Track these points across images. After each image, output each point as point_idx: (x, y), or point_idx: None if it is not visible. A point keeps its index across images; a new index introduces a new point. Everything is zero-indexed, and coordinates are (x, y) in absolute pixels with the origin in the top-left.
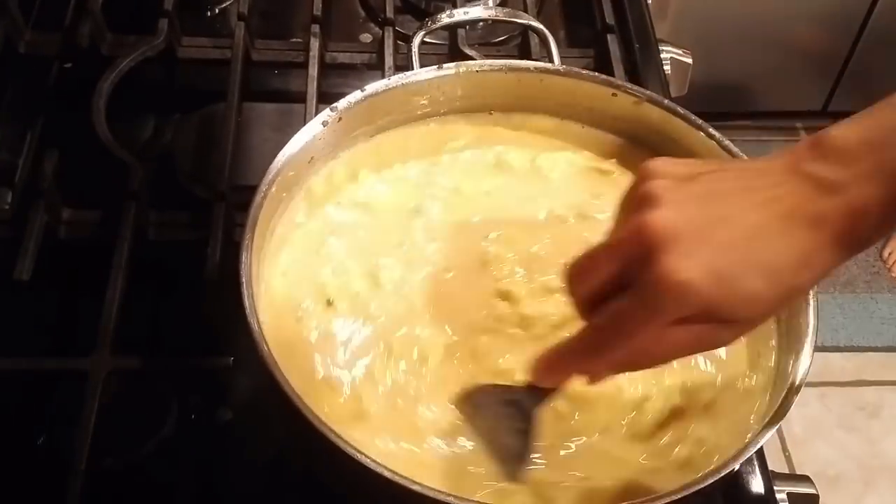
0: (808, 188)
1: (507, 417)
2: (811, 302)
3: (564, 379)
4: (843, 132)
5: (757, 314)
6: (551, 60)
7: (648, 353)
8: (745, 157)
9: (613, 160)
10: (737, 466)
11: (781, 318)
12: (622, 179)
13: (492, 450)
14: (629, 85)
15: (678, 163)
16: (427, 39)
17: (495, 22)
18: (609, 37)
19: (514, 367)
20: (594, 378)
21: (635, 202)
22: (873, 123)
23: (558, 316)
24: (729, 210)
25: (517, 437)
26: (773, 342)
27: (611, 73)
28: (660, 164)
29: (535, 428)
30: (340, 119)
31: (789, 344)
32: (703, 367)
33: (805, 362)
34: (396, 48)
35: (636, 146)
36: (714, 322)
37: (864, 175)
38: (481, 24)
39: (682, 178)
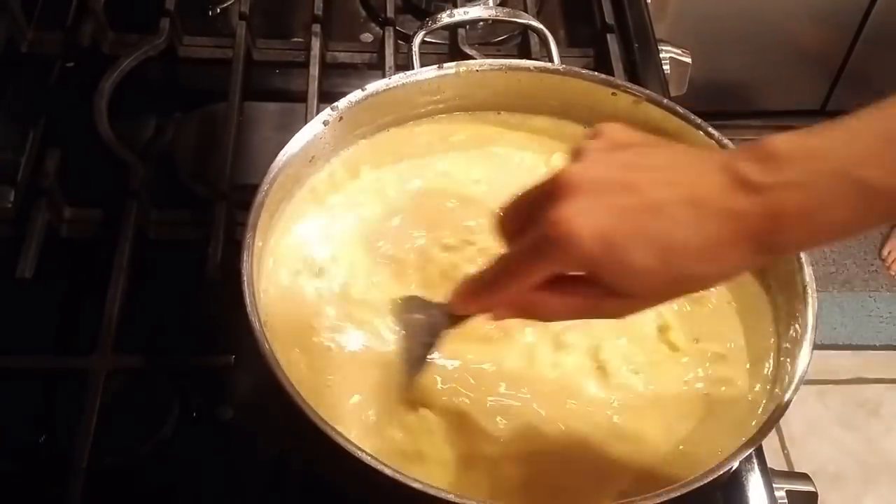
0: (728, 183)
1: (420, 328)
2: (809, 300)
3: (472, 310)
4: (785, 140)
5: (644, 290)
6: (551, 60)
7: (537, 305)
8: None
9: None
10: (736, 464)
11: (781, 316)
12: None
13: (401, 350)
14: (629, 84)
15: (626, 131)
16: (427, 39)
17: (495, 22)
18: (609, 36)
19: None
20: (495, 316)
21: (557, 180)
22: (818, 137)
23: None
24: (640, 182)
25: (421, 348)
26: (772, 340)
27: (610, 73)
28: (607, 127)
29: (436, 344)
30: (341, 118)
31: (788, 342)
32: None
33: (804, 360)
34: (397, 48)
35: None
36: (602, 289)
37: (789, 182)
38: (481, 23)
39: (618, 144)
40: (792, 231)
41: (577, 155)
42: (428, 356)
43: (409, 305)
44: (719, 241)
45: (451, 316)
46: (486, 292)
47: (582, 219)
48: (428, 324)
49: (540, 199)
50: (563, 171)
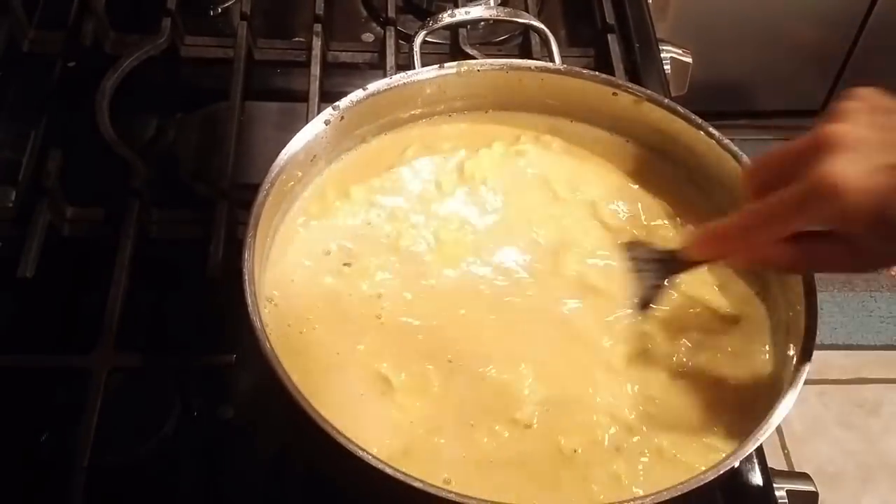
0: None
1: (649, 271)
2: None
3: (712, 255)
4: None
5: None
6: (552, 60)
7: (782, 255)
8: (745, 157)
9: None
10: (736, 464)
11: (781, 316)
12: None
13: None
14: (630, 84)
15: (884, 96)
16: (428, 39)
17: (496, 22)
18: (609, 36)
19: None
20: (735, 262)
21: (818, 139)
22: None
23: None
24: None
25: (650, 291)
26: (772, 341)
27: (611, 73)
28: (865, 91)
29: (668, 287)
30: (342, 118)
31: (788, 342)
32: None
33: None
34: (398, 48)
35: (637, 146)
36: (848, 245)
37: None
38: (482, 23)
39: (878, 107)
40: None
41: (837, 115)
42: (656, 301)
43: (635, 249)
44: None
45: (681, 261)
46: (734, 239)
47: (853, 174)
48: (658, 267)
49: (804, 153)
50: (829, 127)
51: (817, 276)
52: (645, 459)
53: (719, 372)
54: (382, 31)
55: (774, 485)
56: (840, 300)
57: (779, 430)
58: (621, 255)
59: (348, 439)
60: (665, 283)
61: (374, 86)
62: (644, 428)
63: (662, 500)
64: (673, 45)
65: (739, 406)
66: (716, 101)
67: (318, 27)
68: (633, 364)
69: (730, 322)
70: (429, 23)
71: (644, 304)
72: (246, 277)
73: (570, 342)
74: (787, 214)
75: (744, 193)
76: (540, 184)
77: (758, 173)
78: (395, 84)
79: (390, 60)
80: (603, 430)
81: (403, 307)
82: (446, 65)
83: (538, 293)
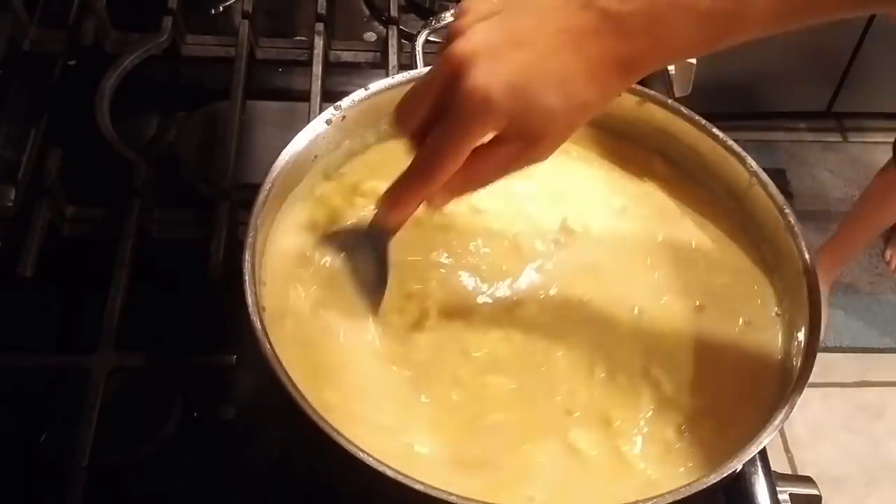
0: (594, 17)
1: (363, 249)
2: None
3: (409, 211)
4: None
5: (556, 128)
6: None
7: (474, 172)
8: (749, 158)
9: None
10: (739, 467)
11: (784, 317)
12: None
13: (356, 280)
14: (633, 85)
15: (487, 1)
16: (431, 38)
17: None
18: None
19: None
20: (436, 204)
21: (449, 33)
22: None
23: None
24: (525, 35)
25: (376, 265)
26: (779, 343)
27: None
28: (469, 3)
29: (388, 256)
30: (344, 117)
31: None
32: None
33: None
34: (400, 47)
35: (638, 147)
36: (523, 139)
37: (636, 10)
38: None
39: (484, 14)
40: (647, 53)
41: (452, 35)
42: (385, 276)
43: (337, 239)
44: (601, 65)
45: (383, 232)
46: (423, 183)
47: (492, 80)
48: (368, 248)
49: (442, 84)
50: (450, 50)
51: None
52: None
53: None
54: (385, 31)
55: (777, 488)
56: (845, 303)
57: (782, 432)
58: (329, 250)
59: (349, 441)
60: (382, 257)
61: (376, 85)
62: None
63: (666, 502)
64: None
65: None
66: (720, 102)
67: (320, 26)
68: None
69: None
70: (431, 22)
71: (371, 286)
72: (246, 278)
73: None
74: (459, 137)
75: (401, 139)
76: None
77: (408, 115)
78: (398, 83)
79: (392, 60)
80: None
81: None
82: None
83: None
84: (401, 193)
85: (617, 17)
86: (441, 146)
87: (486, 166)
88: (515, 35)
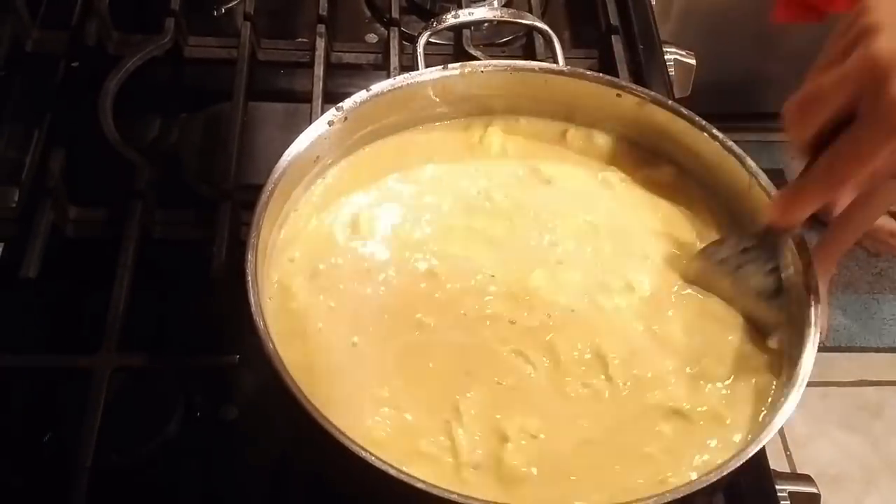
0: None
1: (752, 262)
2: (812, 302)
3: (805, 214)
4: None
5: None
6: (556, 61)
7: (881, 171)
8: (748, 158)
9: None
10: (737, 465)
11: (784, 316)
12: None
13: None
14: (633, 86)
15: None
16: (432, 40)
17: (500, 23)
18: (613, 38)
19: None
20: (834, 205)
21: (853, 35)
22: None
23: None
24: None
25: (767, 277)
26: (777, 343)
27: (615, 74)
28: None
29: (783, 263)
30: (346, 119)
31: (791, 345)
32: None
33: (808, 363)
34: (402, 48)
35: (638, 148)
36: None
37: None
38: (486, 24)
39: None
40: None
41: (866, 33)
42: (779, 285)
43: (717, 250)
44: None
45: (778, 234)
46: (827, 191)
47: None
48: (758, 254)
49: (858, 87)
50: (875, 52)
51: None
52: None
53: None
54: (386, 32)
55: (776, 486)
56: (844, 303)
57: (781, 432)
58: (705, 262)
59: (352, 440)
60: (777, 263)
61: (378, 87)
62: None
63: (665, 501)
64: (677, 46)
65: None
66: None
67: (321, 28)
68: None
69: None
70: (432, 24)
71: (771, 295)
72: (249, 278)
73: None
74: (877, 143)
75: (796, 146)
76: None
77: (806, 121)
78: (399, 85)
79: (394, 61)
80: None
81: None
82: (450, 66)
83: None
84: (801, 198)
85: None
86: (857, 151)
87: (881, 162)
88: None
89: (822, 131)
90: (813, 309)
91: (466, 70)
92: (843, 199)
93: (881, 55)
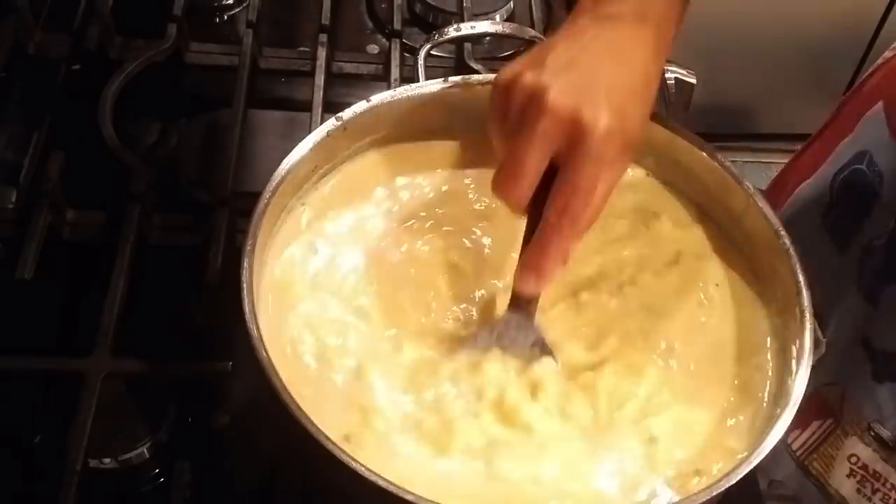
0: (624, 26)
1: (513, 337)
2: (807, 325)
3: (555, 273)
4: None
5: (642, 134)
6: None
7: (598, 204)
8: (745, 181)
9: None
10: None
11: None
12: None
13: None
14: None
15: (521, 61)
16: (434, 52)
17: (502, 36)
18: None
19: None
20: (568, 258)
21: (520, 105)
22: None
23: None
24: (592, 63)
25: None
26: (770, 363)
27: None
28: (510, 70)
29: (545, 337)
30: (345, 129)
31: (786, 364)
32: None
33: (801, 382)
34: (403, 60)
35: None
36: (622, 152)
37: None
38: (488, 38)
39: (536, 64)
40: (663, 29)
41: (534, 98)
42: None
43: (482, 338)
44: (646, 62)
45: (525, 302)
46: (571, 235)
47: (604, 117)
48: (518, 328)
49: (559, 141)
50: (555, 109)
51: None
52: None
53: None
54: (388, 43)
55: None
56: None
57: None
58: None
59: (342, 450)
60: (537, 335)
61: (378, 97)
62: None
63: None
64: (677, 65)
65: None
66: (720, 123)
67: (323, 37)
68: None
69: None
70: (434, 36)
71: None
72: (244, 286)
73: None
74: (594, 178)
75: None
76: None
77: (519, 186)
78: (399, 96)
79: (395, 73)
80: None
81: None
82: (451, 79)
83: None
84: (545, 257)
85: (633, 15)
86: (581, 190)
87: (601, 197)
88: (585, 69)
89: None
90: (808, 331)
91: (467, 83)
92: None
93: (560, 109)
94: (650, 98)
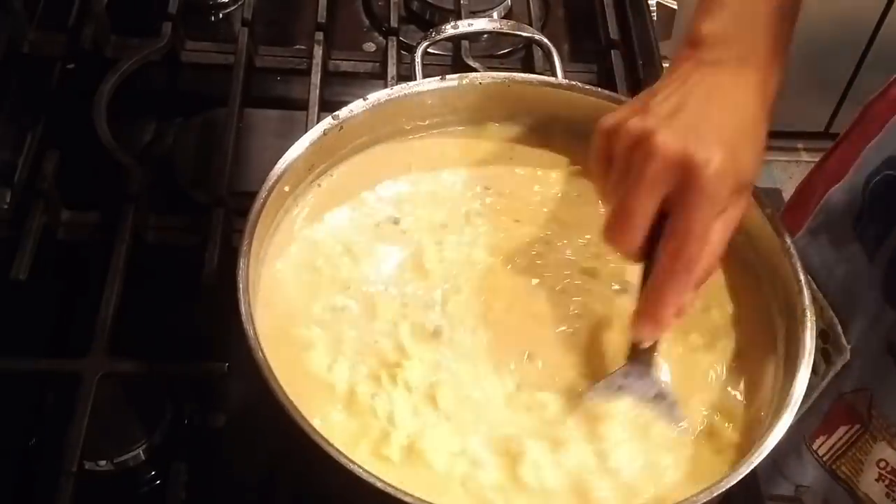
0: (727, 71)
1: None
2: (808, 324)
3: (669, 322)
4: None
5: (756, 175)
6: (554, 74)
7: (714, 250)
8: None
9: None
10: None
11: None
12: None
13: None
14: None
15: (623, 109)
16: (431, 50)
17: (499, 35)
18: (613, 52)
19: None
20: (688, 308)
21: (626, 149)
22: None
23: None
24: (699, 107)
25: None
26: (772, 365)
27: (613, 89)
28: (612, 116)
29: (668, 389)
30: (342, 128)
31: (787, 366)
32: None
33: (801, 383)
34: (400, 58)
35: None
36: (737, 195)
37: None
38: (485, 36)
39: (640, 109)
40: (767, 73)
41: (640, 142)
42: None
43: (601, 392)
44: (755, 110)
45: (646, 354)
46: (686, 284)
47: (714, 159)
48: (638, 379)
49: (669, 186)
50: (662, 152)
51: None
52: None
53: None
54: (384, 41)
55: None
56: None
57: None
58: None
59: (340, 452)
60: (658, 387)
61: (375, 96)
62: None
63: None
64: None
65: None
66: None
67: (319, 35)
68: None
69: None
70: (431, 34)
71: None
72: (240, 286)
73: None
74: (707, 221)
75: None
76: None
77: (630, 235)
78: (396, 95)
79: (391, 71)
80: None
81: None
82: (448, 77)
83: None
84: (660, 306)
85: (742, 61)
86: (695, 233)
87: (718, 238)
88: (689, 115)
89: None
90: (808, 330)
91: (464, 81)
92: (692, 297)
93: (670, 151)
94: (760, 140)
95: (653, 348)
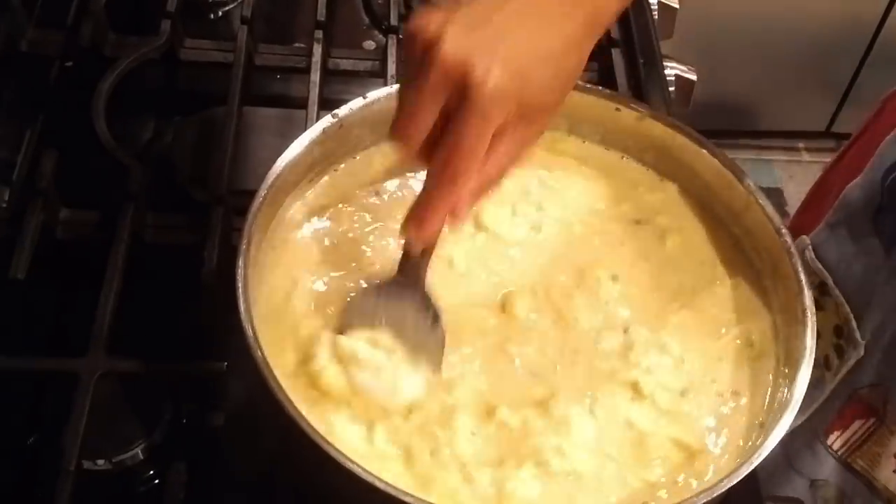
0: None
1: (401, 296)
2: (809, 324)
3: (438, 228)
4: None
5: (552, 101)
6: None
7: (494, 166)
8: (748, 178)
9: None
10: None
11: (779, 337)
12: None
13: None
14: (633, 101)
15: (436, 11)
16: None
17: None
18: (614, 51)
19: None
20: (461, 214)
21: (418, 52)
22: None
23: None
24: (504, 23)
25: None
26: (772, 364)
27: (614, 88)
28: (421, 16)
29: (429, 293)
30: (341, 126)
31: (788, 366)
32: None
33: (802, 383)
34: (399, 56)
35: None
36: (527, 118)
37: None
38: None
39: (446, 16)
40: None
41: (427, 41)
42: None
43: (368, 299)
44: (572, 33)
45: (415, 258)
46: (450, 191)
47: (496, 72)
48: (408, 293)
49: (444, 87)
50: (442, 53)
51: None
52: None
53: None
54: (384, 39)
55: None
56: None
57: None
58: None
59: (339, 451)
60: (426, 295)
61: (374, 94)
62: None
63: None
64: (678, 61)
65: None
66: (720, 120)
67: (319, 33)
68: None
69: None
70: None
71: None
72: (239, 285)
73: None
74: (477, 135)
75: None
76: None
77: (412, 134)
78: (396, 93)
79: (391, 69)
80: None
81: None
82: None
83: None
84: (427, 209)
85: None
86: (463, 147)
87: (501, 158)
88: (493, 25)
89: (429, 139)
90: (809, 330)
91: None
92: (465, 205)
93: (449, 54)
94: (569, 69)
95: (423, 261)
